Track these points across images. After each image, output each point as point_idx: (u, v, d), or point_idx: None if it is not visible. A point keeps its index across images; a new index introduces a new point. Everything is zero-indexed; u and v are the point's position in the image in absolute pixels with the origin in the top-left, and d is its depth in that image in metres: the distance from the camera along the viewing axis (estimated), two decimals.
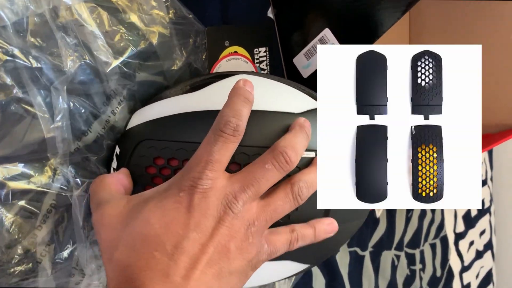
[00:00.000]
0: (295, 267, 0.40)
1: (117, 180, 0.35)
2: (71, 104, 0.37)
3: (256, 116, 0.36)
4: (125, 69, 0.40)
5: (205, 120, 0.36)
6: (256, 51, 0.59)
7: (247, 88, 0.34)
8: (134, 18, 0.41)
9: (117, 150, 0.39)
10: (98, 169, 0.40)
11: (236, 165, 0.34)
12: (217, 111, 0.35)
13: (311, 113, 0.38)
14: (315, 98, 0.41)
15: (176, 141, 0.35)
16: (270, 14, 0.60)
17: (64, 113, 0.36)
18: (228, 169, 0.34)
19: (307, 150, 0.36)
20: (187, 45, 0.48)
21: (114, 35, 0.40)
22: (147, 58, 0.43)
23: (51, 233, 0.38)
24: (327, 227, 0.36)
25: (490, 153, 1.26)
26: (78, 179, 0.37)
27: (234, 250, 0.30)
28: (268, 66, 0.61)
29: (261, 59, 0.60)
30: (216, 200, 0.30)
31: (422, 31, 0.78)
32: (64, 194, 0.37)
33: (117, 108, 0.41)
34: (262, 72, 0.60)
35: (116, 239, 0.30)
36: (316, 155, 0.36)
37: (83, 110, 0.38)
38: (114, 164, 0.39)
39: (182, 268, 0.28)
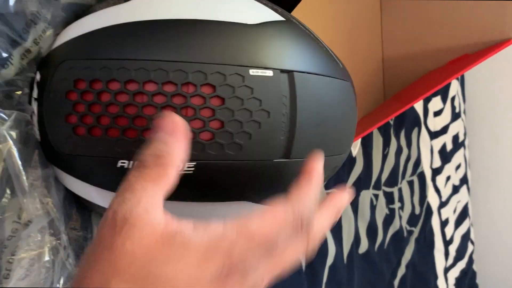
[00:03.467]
0: None
1: (173, 179, 0.26)
2: None
3: (200, 27, 0.30)
4: None
5: (136, 33, 0.30)
6: None
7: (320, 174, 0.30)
8: None
9: (38, 76, 0.33)
10: (24, 106, 0.33)
11: (192, 86, 0.29)
12: (147, 21, 0.30)
13: (271, 26, 0.33)
14: (280, 13, 0.35)
15: (100, 59, 0.29)
16: None
17: None
18: (182, 91, 0.29)
19: (264, 68, 0.31)
20: None
21: None
22: None
23: None
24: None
25: (463, 86, 1.23)
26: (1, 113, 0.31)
27: None
28: None
29: None
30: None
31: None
32: None
33: (41, 37, 0.34)
34: None
35: (127, 274, 0.22)
36: (273, 74, 0.31)
37: None
38: (35, 93, 0.32)
39: None
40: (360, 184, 0.83)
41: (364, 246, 0.87)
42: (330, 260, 0.77)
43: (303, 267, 0.71)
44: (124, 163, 0.30)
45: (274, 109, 0.31)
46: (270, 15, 0.34)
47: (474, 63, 0.63)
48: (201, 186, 0.31)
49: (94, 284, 0.22)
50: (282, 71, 0.31)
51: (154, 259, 0.22)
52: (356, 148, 0.82)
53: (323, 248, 0.75)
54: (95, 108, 0.30)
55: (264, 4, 0.36)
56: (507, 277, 1.48)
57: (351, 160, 0.81)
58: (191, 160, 0.30)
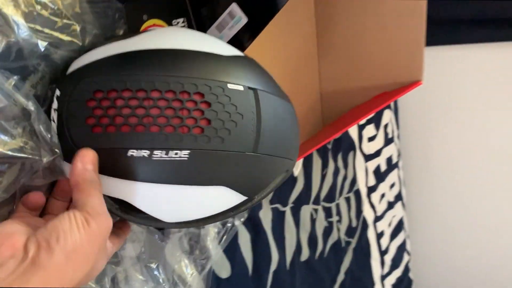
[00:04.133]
0: (233, 197, 0.45)
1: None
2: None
3: (190, 54, 0.42)
4: (44, 48, 0.43)
5: (143, 57, 0.41)
6: (175, 22, 0.62)
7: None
8: None
9: (58, 92, 0.41)
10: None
11: (186, 93, 0.40)
12: (152, 50, 0.41)
13: (238, 58, 0.45)
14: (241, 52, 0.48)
15: (115, 75, 0.40)
16: None
17: None
18: (179, 97, 0.40)
19: (238, 84, 0.42)
20: (104, 21, 0.51)
21: (30, 16, 0.43)
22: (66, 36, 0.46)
23: None
24: None
25: (396, 114, 1.38)
26: None
27: None
28: None
29: None
30: None
31: (327, 5, 0.86)
32: None
33: (38, 84, 0.44)
34: None
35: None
36: (244, 89, 0.43)
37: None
38: (55, 105, 0.41)
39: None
40: (301, 200, 0.95)
41: (305, 254, 0.98)
42: (273, 266, 0.88)
43: (250, 272, 0.82)
44: (133, 152, 0.39)
45: (246, 114, 0.42)
46: (236, 51, 0.47)
47: (391, 99, 0.76)
48: (192, 170, 0.41)
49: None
50: (250, 88, 0.43)
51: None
52: (297, 169, 0.94)
53: (267, 254, 0.87)
54: (111, 111, 0.39)
55: (230, 45, 0.48)
56: (441, 285, 1.62)
57: (293, 179, 0.93)
58: (186, 149, 0.40)
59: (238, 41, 0.62)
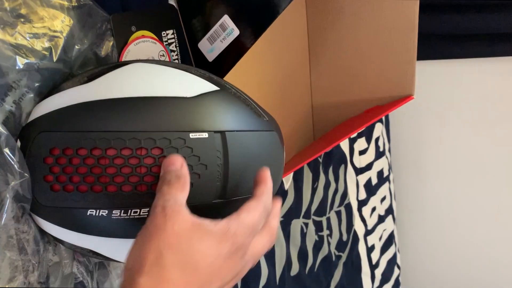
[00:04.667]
0: None
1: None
2: None
3: (149, 102, 0.39)
4: (23, 64, 0.41)
5: (98, 109, 0.39)
6: (164, 33, 0.61)
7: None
8: (33, 7, 0.43)
9: (18, 143, 0.41)
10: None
11: (144, 149, 0.38)
12: (108, 100, 0.38)
13: (206, 96, 0.42)
14: (215, 82, 0.45)
15: (70, 131, 0.38)
16: (171, 1, 0.64)
17: None
18: (136, 154, 0.38)
19: (201, 131, 0.40)
20: (91, 33, 0.50)
21: (14, 26, 0.41)
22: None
23: None
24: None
25: (387, 127, 1.38)
26: None
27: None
28: (178, 48, 0.64)
29: (169, 41, 0.62)
30: (240, 263, 0.38)
31: (320, 18, 0.86)
32: None
33: (21, 99, 0.43)
34: (173, 52, 0.63)
35: (176, 246, 0.34)
36: (208, 135, 0.40)
37: None
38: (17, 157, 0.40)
39: None
40: (291, 214, 0.94)
41: (295, 269, 0.97)
42: (263, 280, 0.87)
43: (239, 287, 0.81)
44: (92, 211, 0.39)
45: (210, 163, 0.40)
46: (206, 87, 0.43)
47: (383, 113, 0.76)
48: None
49: (150, 255, 0.33)
50: (216, 132, 0.41)
51: (192, 238, 0.34)
52: (288, 183, 0.93)
53: (256, 269, 0.85)
54: (68, 169, 0.38)
55: (202, 76, 0.45)
56: None
57: (283, 193, 0.92)
58: (146, 207, 0.39)
59: (230, 52, 0.62)
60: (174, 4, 0.64)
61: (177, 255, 0.33)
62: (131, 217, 0.39)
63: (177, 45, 0.64)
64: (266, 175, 0.41)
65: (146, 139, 0.38)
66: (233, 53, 0.62)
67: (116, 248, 0.43)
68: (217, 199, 0.42)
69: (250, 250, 0.38)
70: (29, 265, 0.42)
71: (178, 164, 0.38)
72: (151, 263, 0.33)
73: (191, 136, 0.39)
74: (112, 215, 0.39)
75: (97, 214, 0.39)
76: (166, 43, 0.62)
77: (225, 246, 0.35)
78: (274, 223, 0.41)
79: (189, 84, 0.43)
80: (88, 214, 0.39)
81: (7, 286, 0.40)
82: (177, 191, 0.36)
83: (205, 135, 0.40)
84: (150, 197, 0.38)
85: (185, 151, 0.39)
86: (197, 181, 0.40)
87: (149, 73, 0.41)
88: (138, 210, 0.39)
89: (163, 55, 0.62)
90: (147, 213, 0.39)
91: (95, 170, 0.38)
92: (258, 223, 0.38)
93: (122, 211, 0.39)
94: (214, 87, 0.44)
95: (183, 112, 0.40)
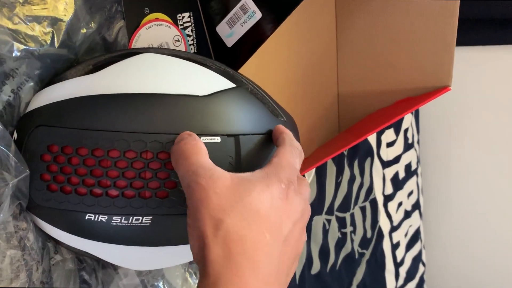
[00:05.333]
0: None
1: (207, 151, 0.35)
2: None
3: (157, 100, 0.36)
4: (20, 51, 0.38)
5: (102, 105, 0.35)
6: (180, 16, 0.57)
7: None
8: None
9: (15, 135, 0.38)
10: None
11: (150, 153, 0.35)
12: (113, 95, 0.35)
13: (221, 95, 0.38)
14: (231, 78, 0.41)
15: (71, 128, 0.35)
16: None
17: None
18: (141, 157, 0.35)
19: (213, 135, 0.37)
20: (99, 16, 0.46)
21: (12, 8, 0.37)
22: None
23: None
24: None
25: (417, 118, 1.31)
26: None
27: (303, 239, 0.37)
28: (194, 32, 0.59)
29: (185, 25, 0.58)
30: (300, 199, 0.35)
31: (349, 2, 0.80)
32: None
33: (19, 88, 0.39)
34: (188, 37, 0.58)
35: (229, 208, 0.31)
36: (221, 139, 0.37)
37: None
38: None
39: (286, 260, 0.33)
40: (313, 210, 0.89)
41: (316, 267, 0.93)
42: None
43: None
44: (91, 216, 0.36)
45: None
46: (220, 83, 0.39)
47: (416, 106, 0.70)
48: (155, 234, 0.37)
49: (208, 228, 0.31)
50: (229, 135, 0.37)
51: (239, 191, 0.32)
52: (310, 177, 0.88)
53: None
54: (66, 169, 0.35)
55: (217, 70, 0.41)
56: None
57: None
58: (148, 214, 0.36)
59: (251, 37, 0.57)
60: None
61: (233, 212, 0.31)
62: (132, 224, 0.36)
63: (193, 29, 0.59)
64: (281, 127, 0.40)
65: (153, 142, 0.35)
66: (254, 38, 0.57)
67: (115, 254, 0.40)
68: None
69: (299, 187, 0.36)
70: (32, 264, 0.40)
71: (184, 135, 0.35)
72: (212, 234, 0.31)
73: (202, 140, 0.36)
74: (112, 221, 0.36)
75: (95, 219, 0.36)
76: (182, 27, 0.57)
77: (274, 187, 0.33)
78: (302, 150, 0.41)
79: (203, 81, 0.39)
80: (86, 218, 0.36)
81: (11, 287, 0.38)
82: (197, 156, 0.33)
83: (217, 139, 0.37)
84: (155, 204, 0.35)
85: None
86: None
87: (160, 66, 0.37)
88: (140, 218, 0.36)
89: (178, 40, 0.58)
90: (149, 222, 0.36)
91: (95, 172, 0.35)
92: (293, 161, 0.37)
93: (123, 217, 0.36)
94: (230, 84, 0.40)
95: (195, 113, 0.36)
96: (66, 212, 0.36)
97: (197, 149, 0.33)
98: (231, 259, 0.30)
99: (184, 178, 0.33)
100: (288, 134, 0.39)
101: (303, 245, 0.36)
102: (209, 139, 0.36)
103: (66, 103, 0.36)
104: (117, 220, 0.36)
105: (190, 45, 0.59)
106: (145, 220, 0.36)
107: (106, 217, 0.36)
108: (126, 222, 0.36)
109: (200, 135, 0.36)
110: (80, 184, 0.35)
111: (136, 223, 0.36)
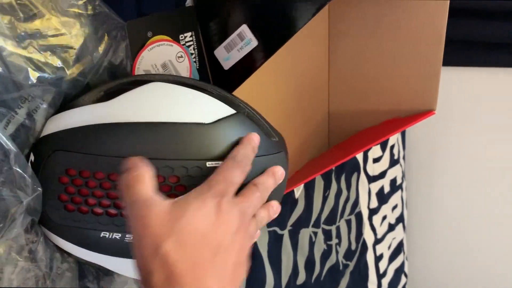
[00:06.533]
0: None
1: (152, 177, 0.37)
2: None
3: (168, 128, 0.39)
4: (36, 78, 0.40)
5: (117, 133, 0.38)
6: (182, 36, 0.59)
7: (255, 141, 0.42)
8: (48, 17, 0.41)
9: (32, 157, 0.40)
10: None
11: (161, 177, 0.38)
12: (127, 123, 0.38)
13: (223, 122, 0.42)
14: (230, 103, 0.44)
15: (88, 154, 0.38)
16: (189, 3, 0.61)
17: None
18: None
19: (217, 159, 0.40)
20: (105, 42, 0.48)
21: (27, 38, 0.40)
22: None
23: None
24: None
25: (403, 135, 1.35)
26: None
27: (247, 245, 0.38)
28: (196, 50, 0.62)
29: (187, 43, 0.60)
30: (235, 209, 0.37)
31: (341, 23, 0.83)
32: None
33: (34, 111, 0.41)
34: (191, 55, 0.61)
35: (164, 234, 0.33)
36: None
37: None
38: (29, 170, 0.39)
39: (229, 269, 0.35)
40: (301, 223, 0.92)
41: (302, 278, 0.95)
42: None
43: None
44: (105, 234, 0.39)
45: None
46: (222, 110, 0.43)
47: (402, 127, 0.74)
48: None
49: (149, 250, 0.33)
50: None
51: (175, 215, 0.34)
52: (299, 191, 0.91)
53: (261, 277, 0.83)
54: (83, 191, 0.38)
55: (218, 96, 0.44)
56: None
57: (293, 202, 0.90)
58: None
59: (247, 62, 0.60)
60: (191, 4, 0.61)
61: (170, 238, 0.33)
62: None
63: (195, 47, 0.62)
64: (244, 138, 0.42)
65: (164, 167, 0.38)
66: (250, 63, 0.60)
67: (126, 266, 0.43)
68: None
69: (236, 198, 0.38)
70: (40, 274, 0.42)
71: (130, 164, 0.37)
72: (152, 260, 0.33)
73: (207, 165, 0.39)
74: (125, 238, 0.40)
75: (110, 237, 0.40)
76: (184, 46, 0.59)
77: (207, 203, 0.35)
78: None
79: (207, 109, 0.42)
80: (101, 235, 0.40)
81: None
82: (139, 186, 0.35)
83: (221, 163, 0.40)
84: None
85: (201, 179, 0.38)
86: None
87: (168, 96, 0.41)
88: None
89: (182, 56, 0.60)
90: None
91: (111, 194, 0.38)
92: (230, 175, 0.38)
93: None
94: (230, 111, 0.43)
95: (202, 140, 0.40)
96: (82, 230, 0.40)
97: (139, 179, 0.36)
98: (172, 282, 0.32)
99: (127, 208, 0.36)
100: (238, 148, 0.41)
101: (249, 248, 0.38)
102: (214, 164, 0.39)
103: (82, 129, 0.39)
104: (130, 237, 0.39)
105: (194, 61, 0.62)
106: None
107: (120, 234, 0.40)
108: None
109: (206, 159, 0.39)
110: (97, 205, 0.38)
111: None
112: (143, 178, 0.36)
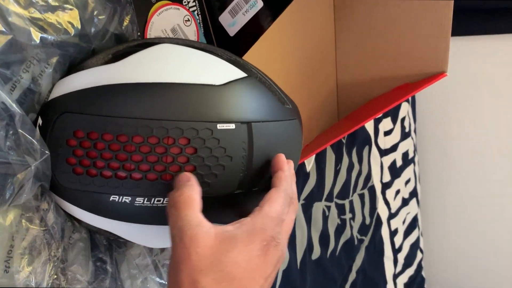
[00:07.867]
0: None
1: (200, 198, 0.36)
2: None
3: (178, 89, 0.38)
4: (39, 38, 0.39)
5: (125, 94, 0.37)
6: (185, 2, 0.58)
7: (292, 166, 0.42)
8: None
9: (40, 121, 0.39)
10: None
11: (171, 139, 0.37)
12: (136, 84, 0.37)
13: (234, 84, 0.40)
14: (241, 67, 0.43)
15: (96, 115, 0.37)
16: None
17: None
18: (163, 143, 0.36)
19: (229, 122, 0.38)
20: (111, 8, 0.47)
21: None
22: None
23: None
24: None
25: (414, 107, 1.33)
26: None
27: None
28: (200, 16, 0.61)
29: (191, 9, 0.59)
30: (278, 250, 0.36)
31: None
32: None
33: (40, 75, 0.40)
34: (196, 19, 0.60)
35: (206, 269, 0.33)
36: (235, 126, 0.39)
37: None
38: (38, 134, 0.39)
39: None
40: (313, 197, 0.91)
41: (316, 253, 0.95)
42: (284, 265, 0.84)
43: None
44: (115, 197, 0.38)
45: (236, 154, 0.39)
46: (233, 73, 0.41)
47: (414, 91, 0.72)
48: None
49: (187, 282, 0.32)
50: (243, 122, 0.39)
51: (218, 251, 0.33)
52: (310, 164, 0.90)
53: None
54: (92, 153, 0.37)
55: (229, 59, 0.43)
56: (453, 283, 1.58)
57: (305, 175, 0.89)
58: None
59: (253, 27, 0.58)
60: None
61: (209, 275, 0.33)
62: (154, 205, 0.39)
63: (199, 12, 0.60)
64: (282, 161, 0.41)
65: (174, 129, 0.37)
66: (256, 28, 0.58)
67: (136, 233, 0.42)
68: (238, 190, 0.41)
69: (282, 235, 0.37)
70: (52, 242, 0.41)
71: (183, 178, 0.37)
72: None
73: (218, 127, 0.38)
74: (135, 202, 0.38)
75: (119, 200, 0.38)
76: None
77: (255, 246, 0.34)
78: (295, 196, 0.41)
79: (218, 71, 0.41)
80: (110, 199, 0.38)
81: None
82: (187, 210, 0.35)
83: (232, 126, 0.39)
84: None
85: (211, 142, 0.38)
86: (222, 173, 0.39)
87: (177, 57, 0.39)
88: (162, 199, 0.39)
89: (189, 20, 0.59)
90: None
91: (120, 156, 0.37)
92: (282, 212, 0.37)
93: (146, 199, 0.38)
94: (241, 74, 0.42)
95: (212, 102, 0.39)
96: (91, 194, 0.38)
97: (189, 202, 0.35)
98: None
99: (172, 230, 0.35)
100: (285, 174, 0.40)
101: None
102: (225, 126, 0.38)
103: (90, 91, 0.38)
104: (140, 201, 0.38)
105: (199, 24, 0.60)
106: (166, 201, 0.38)
107: (130, 198, 0.38)
108: (149, 203, 0.38)
109: (216, 122, 0.38)
110: (105, 167, 0.37)
111: (157, 203, 0.38)
112: (192, 202, 0.35)
